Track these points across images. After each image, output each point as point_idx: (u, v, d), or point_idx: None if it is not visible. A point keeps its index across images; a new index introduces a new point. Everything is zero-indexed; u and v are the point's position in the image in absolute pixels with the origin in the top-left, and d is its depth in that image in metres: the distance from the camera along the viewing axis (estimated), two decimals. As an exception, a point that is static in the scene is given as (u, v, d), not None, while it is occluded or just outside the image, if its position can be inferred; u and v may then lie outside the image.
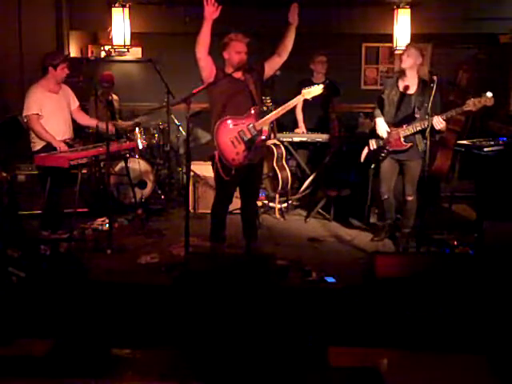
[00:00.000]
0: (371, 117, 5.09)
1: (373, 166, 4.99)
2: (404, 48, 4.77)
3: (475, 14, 6.93)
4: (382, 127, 4.76)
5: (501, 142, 5.22)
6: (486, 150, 5.08)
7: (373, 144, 4.88)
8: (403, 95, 4.71)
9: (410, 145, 4.66)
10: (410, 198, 4.83)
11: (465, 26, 7.05)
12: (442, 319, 3.45)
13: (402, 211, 4.99)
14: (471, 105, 4.35)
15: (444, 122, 4.40)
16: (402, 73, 4.77)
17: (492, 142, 5.22)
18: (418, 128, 4.54)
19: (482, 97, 4.34)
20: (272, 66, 4.31)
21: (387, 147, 4.75)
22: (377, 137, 4.82)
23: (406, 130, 4.63)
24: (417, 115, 4.60)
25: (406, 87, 4.70)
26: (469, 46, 7.44)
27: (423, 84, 4.65)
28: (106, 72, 7.02)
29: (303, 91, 4.30)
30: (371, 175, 5.38)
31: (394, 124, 4.74)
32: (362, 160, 5.00)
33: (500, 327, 3.37)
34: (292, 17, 4.18)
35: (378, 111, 4.86)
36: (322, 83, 4.50)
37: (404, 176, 4.85)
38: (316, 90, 4.26)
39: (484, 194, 5.27)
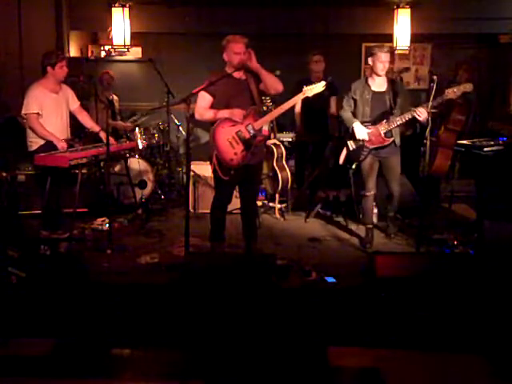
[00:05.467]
0: (341, 121, 5.09)
1: (354, 166, 4.96)
2: (388, 56, 4.77)
3: (475, 13, 6.92)
4: (361, 131, 4.77)
5: (501, 142, 5.21)
6: (485, 149, 5.07)
7: (351, 144, 4.88)
8: (376, 94, 4.81)
9: (392, 139, 4.78)
10: (396, 194, 4.98)
11: (465, 26, 7.04)
12: (442, 319, 3.45)
13: (388, 201, 5.11)
14: (451, 93, 4.47)
15: (426, 113, 4.46)
16: (372, 74, 4.83)
17: (492, 142, 5.21)
18: (399, 122, 4.67)
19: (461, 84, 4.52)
20: (264, 88, 4.27)
21: (367, 146, 4.79)
22: (354, 137, 4.83)
23: (386, 126, 4.72)
24: (394, 111, 4.73)
25: (378, 85, 4.81)
26: (469, 46, 7.44)
27: (391, 82, 4.87)
28: (105, 71, 7.01)
29: (304, 88, 4.30)
30: (352, 175, 5.38)
31: (370, 122, 4.81)
32: (342, 162, 5.03)
33: (500, 327, 3.37)
34: (249, 63, 4.15)
35: (348, 115, 4.86)
36: (324, 80, 4.46)
37: (387, 173, 4.92)
38: (317, 87, 4.26)
39: (484, 194, 5.27)
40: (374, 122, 4.79)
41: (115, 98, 6.94)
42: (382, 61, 4.70)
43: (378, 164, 4.91)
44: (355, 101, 4.85)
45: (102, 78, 6.84)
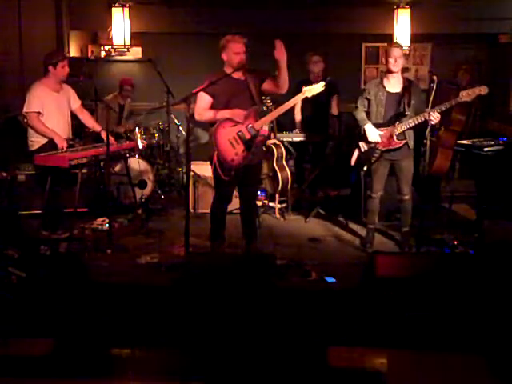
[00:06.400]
0: (355, 120, 4.96)
1: (365, 168, 4.88)
2: (398, 50, 4.67)
3: (475, 13, 6.93)
4: (373, 133, 4.69)
5: (501, 142, 5.22)
6: (486, 149, 5.08)
7: (363, 146, 4.80)
8: (390, 94, 4.72)
9: (404, 142, 4.69)
10: (406, 198, 4.84)
11: (465, 26, 7.05)
12: (442, 319, 3.45)
13: (400, 210, 5.01)
14: (465, 95, 4.43)
15: (439, 116, 4.45)
16: (387, 73, 4.76)
17: (492, 142, 5.22)
18: (412, 124, 4.59)
19: (476, 87, 4.46)
20: (270, 88, 4.30)
21: (379, 147, 4.71)
22: (366, 139, 4.75)
23: (398, 128, 4.64)
24: (407, 113, 4.64)
25: (393, 86, 4.73)
26: (469, 46, 7.44)
27: (408, 82, 4.75)
28: (127, 78, 6.94)
29: (304, 89, 4.29)
30: (363, 176, 5.32)
31: (383, 124, 4.72)
32: (353, 163, 4.93)
33: (500, 327, 3.37)
34: (278, 54, 4.09)
35: (362, 115, 4.77)
36: (323, 80, 4.45)
37: (398, 175, 4.83)
38: (317, 87, 4.25)
39: (484, 194, 5.27)
40: (388, 123, 4.71)
41: (128, 102, 6.90)
42: (392, 56, 4.62)
43: (389, 167, 4.83)
44: (369, 101, 4.77)
45: (122, 84, 6.78)
